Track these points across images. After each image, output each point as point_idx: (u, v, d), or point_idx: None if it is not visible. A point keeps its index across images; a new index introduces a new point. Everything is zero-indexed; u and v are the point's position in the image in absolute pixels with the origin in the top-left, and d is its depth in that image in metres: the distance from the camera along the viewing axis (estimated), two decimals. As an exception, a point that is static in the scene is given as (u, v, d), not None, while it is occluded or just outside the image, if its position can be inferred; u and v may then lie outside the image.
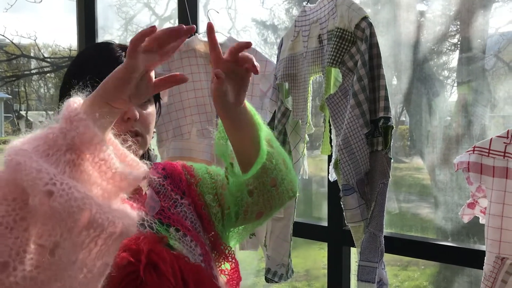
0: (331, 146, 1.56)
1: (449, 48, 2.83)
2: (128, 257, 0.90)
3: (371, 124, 1.37)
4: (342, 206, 1.42)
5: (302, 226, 2.09)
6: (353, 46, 1.37)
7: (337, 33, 1.40)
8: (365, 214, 1.41)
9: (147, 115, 1.07)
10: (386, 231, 1.85)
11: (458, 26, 2.76)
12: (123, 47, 1.07)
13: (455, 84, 3.02)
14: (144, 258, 0.91)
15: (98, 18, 3.14)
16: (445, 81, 3.00)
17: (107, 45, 1.08)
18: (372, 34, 1.35)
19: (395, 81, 2.79)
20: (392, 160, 1.37)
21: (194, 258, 1.03)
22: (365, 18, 1.36)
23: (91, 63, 1.04)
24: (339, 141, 1.38)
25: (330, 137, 1.57)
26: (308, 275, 4.67)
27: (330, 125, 1.52)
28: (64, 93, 1.05)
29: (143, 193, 1.10)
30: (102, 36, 3.91)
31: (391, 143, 1.36)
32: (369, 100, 1.35)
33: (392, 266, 4.40)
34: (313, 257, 4.78)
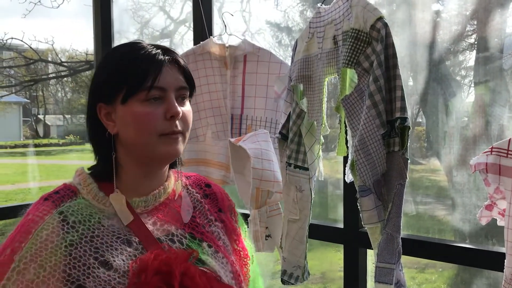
0: (347, 147, 1.56)
1: (466, 48, 2.80)
2: (161, 284, 0.89)
3: (388, 124, 1.36)
4: (358, 207, 1.41)
5: (318, 228, 2.08)
6: (369, 47, 1.37)
7: (352, 34, 1.39)
8: (382, 215, 1.40)
9: (187, 113, 1.06)
10: (403, 233, 1.84)
11: (474, 26, 2.72)
12: (155, 46, 1.05)
13: (472, 84, 2.98)
14: (177, 285, 0.89)
15: (114, 22, 3.17)
16: (462, 81, 2.97)
17: (139, 43, 1.06)
18: (388, 35, 1.34)
19: (411, 81, 2.77)
20: (409, 161, 1.36)
21: (226, 275, 1.02)
22: (380, 18, 1.36)
23: (130, 61, 1.01)
24: (355, 142, 1.38)
25: (346, 138, 1.56)
26: (324, 277, 4.64)
27: (345, 126, 1.52)
28: (102, 95, 1.03)
29: (175, 197, 1.09)
30: (119, 40, 3.93)
31: (408, 144, 1.35)
32: (385, 100, 1.35)
33: (409, 268, 4.35)
34: (329, 259, 4.76)
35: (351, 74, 1.44)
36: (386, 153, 1.38)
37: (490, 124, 2.66)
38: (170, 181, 1.10)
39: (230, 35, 2.31)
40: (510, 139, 1.42)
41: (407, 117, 1.33)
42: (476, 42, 2.76)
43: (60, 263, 0.91)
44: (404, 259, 1.47)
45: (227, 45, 2.27)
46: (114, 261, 0.94)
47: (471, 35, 2.76)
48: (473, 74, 2.94)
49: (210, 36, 2.32)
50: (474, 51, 2.84)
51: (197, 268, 0.95)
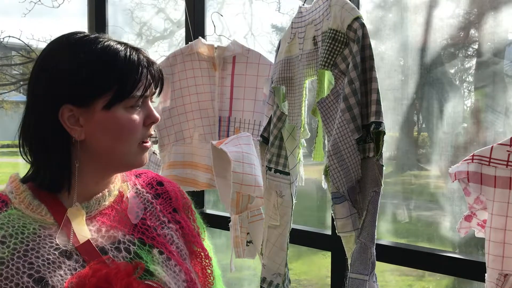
0: (325, 152, 1.51)
1: (465, 52, 2.74)
2: None
3: (363, 129, 1.31)
4: (332, 214, 1.36)
5: (305, 234, 2.03)
6: (346, 48, 1.31)
7: (330, 34, 1.34)
8: (356, 224, 1.34)
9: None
10: (392, 240, 1.78)
11: (475, 30, 2.67)
12: (131, 47, 0.97)
13: (470, 90, 2.93)
14: None
15: (111, 22, 3.16)
16: (459, 87, 2.91)
17: (107, 40, 0.96)
18: (365, 35, 1.29)
19: (407, 86, 2.71)
20: (384, 167, 1.30)
21: (178, 285, 0.96)
22: (357, 18, 1.30)
23: (117, 65, 0.93)
24: (329, 147, 1.32)
25: (324, 143, 1.51)
26: (312, 283, 4.57)
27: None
28: (73, 96, 0.92)
29: (123, 199, 1.03)
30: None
31: (383, 150, 1.29)
32: (361, 104, 1.29)
33: (407, 276, 4.28)
34: (318, 265, 4.69)
35: (329, 76, 1.39)
36: (361, 159, 1.32)
37: (487, 131, 2.60)
38: (117, 182, 1.04)
39: (229, 37, 2.27)
40: (492, 147, 1.36)
41: (382, 122, 1.27)
42: (476, 47, 2.71)
43: None
44: (401, 267, 1.41)
45: (215, 45, 2.23)
46: (51, 277, 0.86)
47: (471, 39, 2.70)
48: (471, 79, 2.88)
49: (199, 37, 2.28)
50: (474, 56, 2.78)
51: (140, 283, 0.88)
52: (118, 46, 0.95)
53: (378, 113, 1.27)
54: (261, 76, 2.18)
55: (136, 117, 0.95)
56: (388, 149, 3.34)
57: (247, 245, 1.83)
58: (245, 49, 2.20)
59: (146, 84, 0.96)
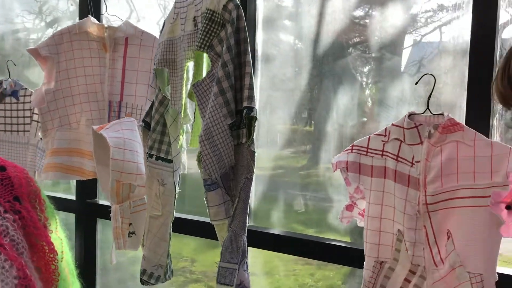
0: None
1: (363, 47, 2.80)
2: None
3: (237, 114, 1.27)
4: (205, 202, 1.31)
5: (202, 225, 1.97)
6: (223, 30, 1.26)
7: (207, 15, 1.28)
8: (229, 211, 1.30)
9: None
10: (283, 229, 1.78)
11: (367, 25, 2.73)
12: None
13: (366, 84, 3.00)
14: None
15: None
16: (354, 80, 2.97)
17: None
18: (239, 17, 1.24)
19: (300, 77, 2.72)
20: (255, 154, 1.27)
21: (6, 282, 0.86)
22: (232, -1, 1.25)
23: None
24: (201, 132, 1.27)
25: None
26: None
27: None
28: None
29: None
30: (5, 22, 3.62)
31: (254, 135, 1.26)
32: (235, 88, 1.25)
33: (310, 265, 4.37)
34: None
35: (208, 58, 1.33)
36: (235, 145, 1.28)
37: (381, 124, 2.68)
38: None
39: (138, 22, 2.14)
40: (369, 137, 1.38)
41: (253, 107, 1.24)
42: (369, 42, 2.77)
43: None
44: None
45: (106, 25, 2.10)
46: None
47: (364, 34, 2.76)
48: (365, 73, 2.96)
49: (89, 15, 2.14)
50: (368, 51, 2.85)
51: None
52: None
53: (251, 98, 1.23)
54: (155, 60, 2.08)
55: None
56: (304, 143, 3.37)
57: (129, 236, 1.73)
58: (139, 31, 2.08)
59: None
